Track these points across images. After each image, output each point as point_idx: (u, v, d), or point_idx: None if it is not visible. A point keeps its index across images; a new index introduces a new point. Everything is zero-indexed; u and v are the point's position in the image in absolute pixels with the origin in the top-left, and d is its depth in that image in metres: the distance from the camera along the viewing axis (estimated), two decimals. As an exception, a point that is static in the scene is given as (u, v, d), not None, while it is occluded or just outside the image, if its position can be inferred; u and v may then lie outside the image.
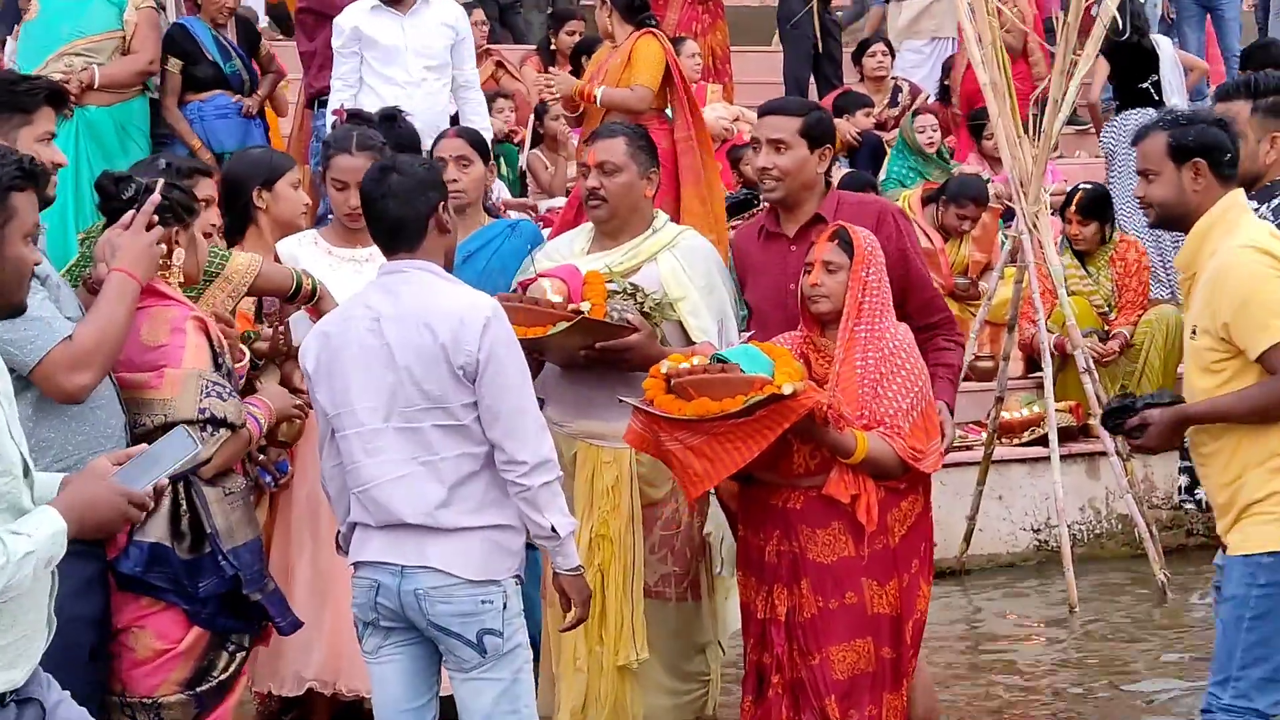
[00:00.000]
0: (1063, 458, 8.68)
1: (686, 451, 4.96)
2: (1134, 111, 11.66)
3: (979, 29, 7.97)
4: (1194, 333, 4.69)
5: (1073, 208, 9.56)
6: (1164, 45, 12.44)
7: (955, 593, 8.56)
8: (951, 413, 5.41)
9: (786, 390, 4.84)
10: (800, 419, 4.90)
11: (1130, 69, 11.90)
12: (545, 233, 7.07)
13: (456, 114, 9.31)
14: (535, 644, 5.92)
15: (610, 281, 5.41)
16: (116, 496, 3.49)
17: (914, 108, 12.09)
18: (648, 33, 9.04)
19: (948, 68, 12.84)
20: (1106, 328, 9.53)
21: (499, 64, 11.83)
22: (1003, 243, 9.20)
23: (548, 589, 5.72)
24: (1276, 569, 4.55)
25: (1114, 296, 9.61)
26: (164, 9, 9.54)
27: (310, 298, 5.38)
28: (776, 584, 5.14)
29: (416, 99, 8.85)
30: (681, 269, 5.59)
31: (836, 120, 11.10)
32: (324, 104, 9.44)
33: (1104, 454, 8.59)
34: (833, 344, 5.18)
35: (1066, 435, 8.93)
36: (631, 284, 5.45)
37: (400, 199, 4.58)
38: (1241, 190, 4.76)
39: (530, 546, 6.54)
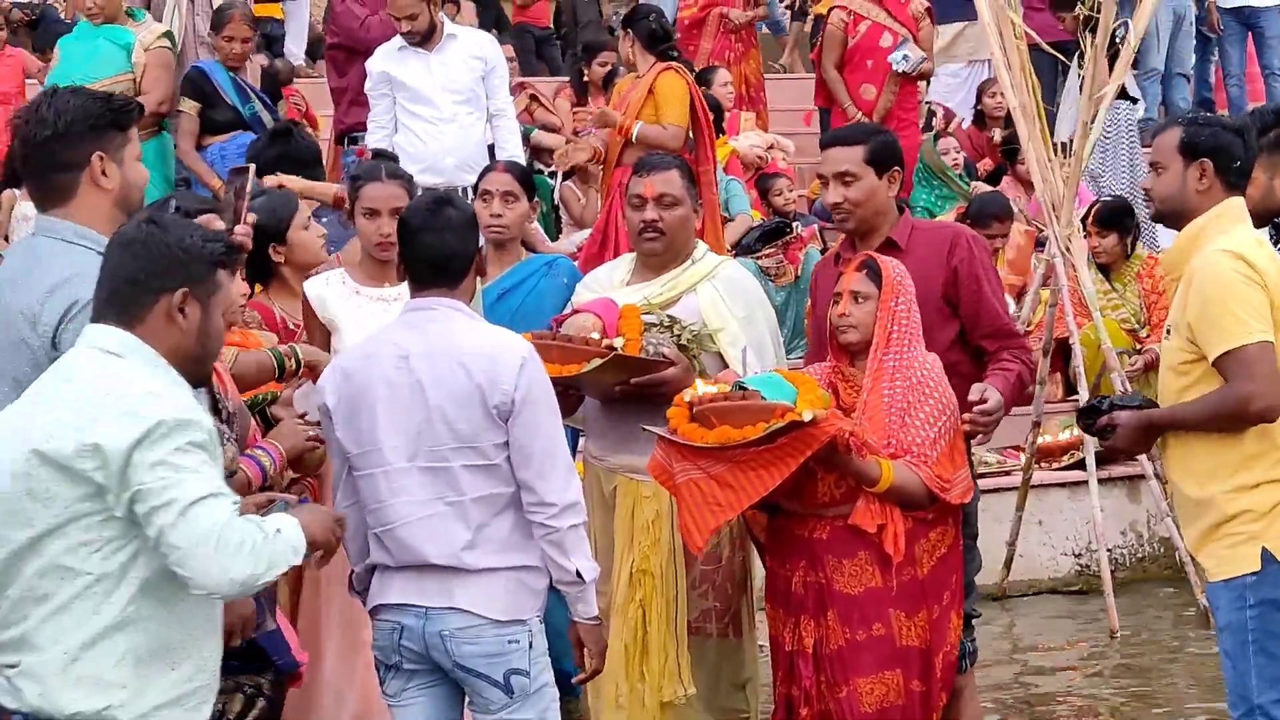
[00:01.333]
0: (1103, 481, 8.64)
1: (710, 480, 4.92)
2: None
3: (1007, 53, 7.94)
4: (1168, 332, 4.70)
5: (1091, 219, 9.52)
6: None
7: (996, 618, 8.49)
8: (1004, 400, 5.23)
9: (807, 417, 4.80)
10: (822, 446, 4.86)
11: None
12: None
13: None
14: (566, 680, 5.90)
15: (648, 313, 5.37)
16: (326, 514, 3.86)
17: (939, 131, 12.05)
18: (670, 68, 9.11)
19: (982, 91, 12.80)
20: (1138, 345, 9.47)
21: (533, 97, 11.84)
22: (1036, 266, 9.14)
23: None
24: (1261, 587, 4.53)
25: (1141, 313, 9.55)
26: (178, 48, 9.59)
27: (296, 371, 5.31)
28: (804, 615, 5.10)
29: (449, 135, 8.88)
30: (721, 299, 5.52)
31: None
32: (354, 140, 9.48)
33: (1144, 477, 8.53)
34: (861, 373, 5.15)
35: (1107, 458, 8.84)
36: (669, 316, 5.40)
37: (458, 234, 4.58)
38: (1242, 200, 4.74)
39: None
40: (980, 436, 5.32)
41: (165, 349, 3.57)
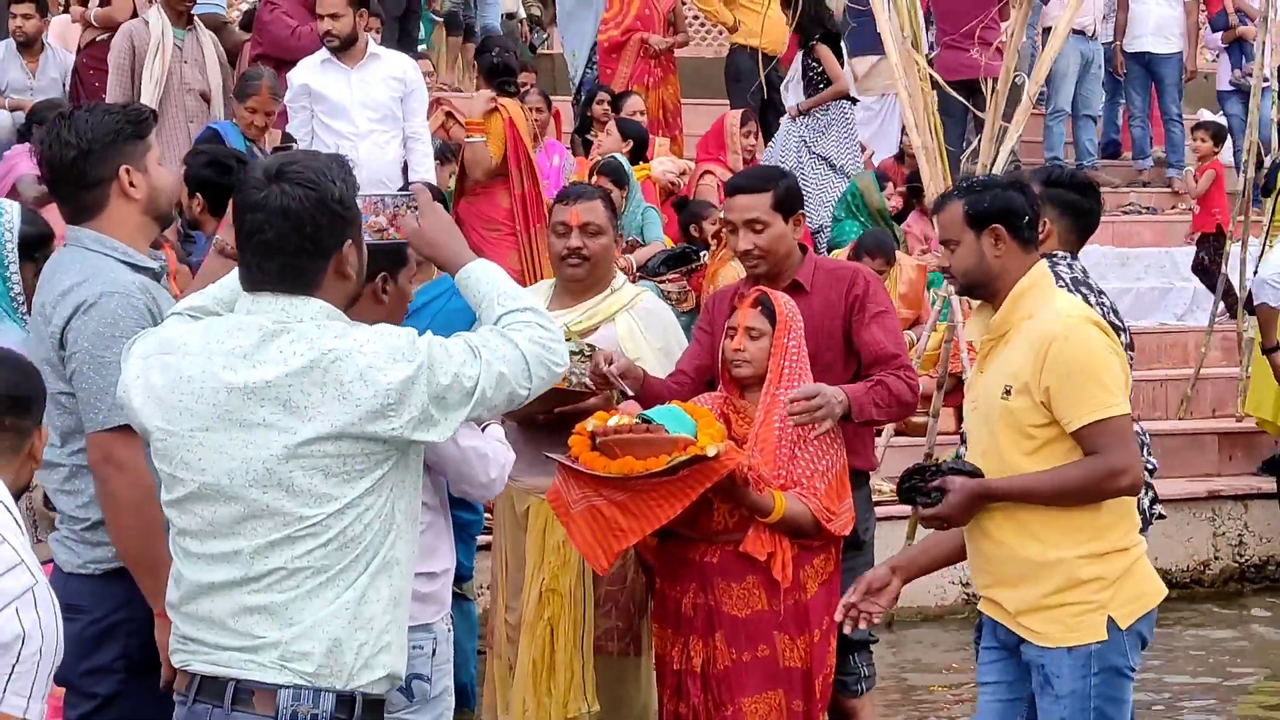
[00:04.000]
0: (991, 513, 8.85)
1: (612, 507, 5.07)
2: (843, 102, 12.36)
3: (911, 92, 8.15)
4: (1007, 392, 4.54)
5: None
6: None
7: (884, 644, 8.66)
8: (849, 410, 5.25)
9: (710, 452, 4.97)
10: (721, 479, 5.05)
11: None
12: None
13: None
14: (471, 694, 6.02)
15: (567, 341, 5.47)
16: None
17: (880, 171, 12.24)
18: (494, 103, 9.75)
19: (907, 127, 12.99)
20: None
21: (449, 114, 11.94)
22: (932, 300, 9.35)
23: (490, 638, 5.84)
24: (1106, 655, 4.51)
25: None
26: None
27: None
28: (692, 636, 5.27)
29: (363, 150, 9.03)
30: (638, 330, 5.66)
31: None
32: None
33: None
34: (753, 406, 5.33)
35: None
36: (589, 345, 5.47)
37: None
38: (1045, 260, 4.73)
39: (463, 598, 6.67)
40: (817, 427, 5.22)
41: (338, 302, 3.53)
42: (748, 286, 5.65)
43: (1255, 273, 10.14)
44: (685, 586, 5.30)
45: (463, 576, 6.70)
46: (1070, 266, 5.57)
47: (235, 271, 3.71)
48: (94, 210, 4.19)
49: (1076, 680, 4.50)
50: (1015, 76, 8.07)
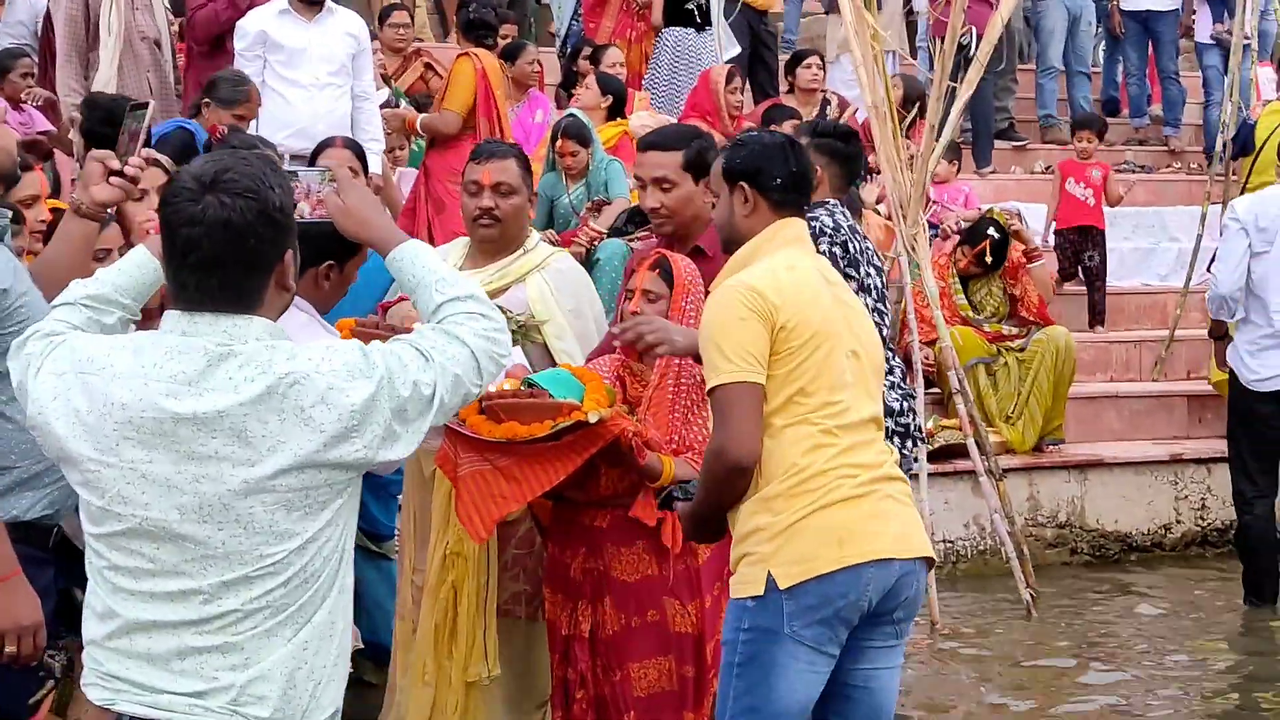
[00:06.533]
0: (949, 474, 8.88)
1: (495, 472, 5.06)
2: (675, 29, 12.39)
3: (862, 51, 8.09)
4: None
5: (971, 251, 9.71)
6: None
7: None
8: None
9: (592, 419, 4.96)
10: (606, 444, 5.03)
11: None
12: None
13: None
14: (387, 654, 6.04)
15: None
16: None
17: (843, 120, 12.18)
18: (464, 54, 9.74)
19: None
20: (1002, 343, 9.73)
21: (428, 65, 11.90)
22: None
23: (400, 601, 5.85)
24: (759, 613, 4.27)
25: (1004, 303, 9.80)
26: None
27: None
28: (581, 600, 5.26)
29: (319, 102, 8.99)
30: (549, 291, 5.62)
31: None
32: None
33: (990, 472, 8.70)
34: (649, 369, 5.30)
35: (955, 452, 9.08)
36: (497, 306, 5.48)
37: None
38: (796, 220, 4.56)
39: (384, 557, 6.67)
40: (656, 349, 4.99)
41: (276, 314, 3.29)
42: (663, 246, 5.62)
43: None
44: (575, 551, 5.29)
45: (383, 536, 6.71)
46: (832, 212, 6.19)
47: (133, 255, 3.56)
48: None
49: (730, 630, 4.35)
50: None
